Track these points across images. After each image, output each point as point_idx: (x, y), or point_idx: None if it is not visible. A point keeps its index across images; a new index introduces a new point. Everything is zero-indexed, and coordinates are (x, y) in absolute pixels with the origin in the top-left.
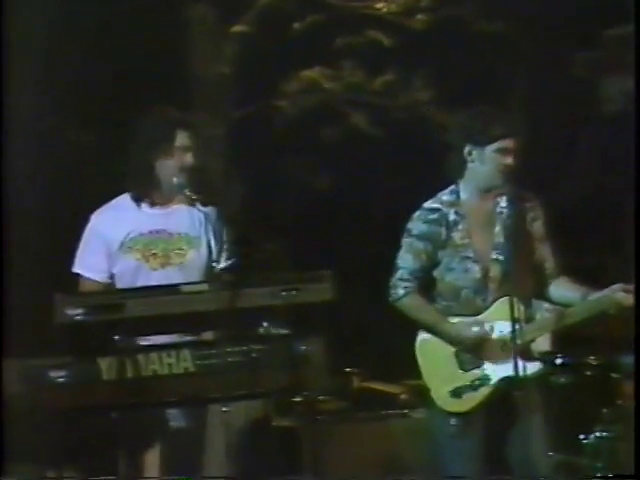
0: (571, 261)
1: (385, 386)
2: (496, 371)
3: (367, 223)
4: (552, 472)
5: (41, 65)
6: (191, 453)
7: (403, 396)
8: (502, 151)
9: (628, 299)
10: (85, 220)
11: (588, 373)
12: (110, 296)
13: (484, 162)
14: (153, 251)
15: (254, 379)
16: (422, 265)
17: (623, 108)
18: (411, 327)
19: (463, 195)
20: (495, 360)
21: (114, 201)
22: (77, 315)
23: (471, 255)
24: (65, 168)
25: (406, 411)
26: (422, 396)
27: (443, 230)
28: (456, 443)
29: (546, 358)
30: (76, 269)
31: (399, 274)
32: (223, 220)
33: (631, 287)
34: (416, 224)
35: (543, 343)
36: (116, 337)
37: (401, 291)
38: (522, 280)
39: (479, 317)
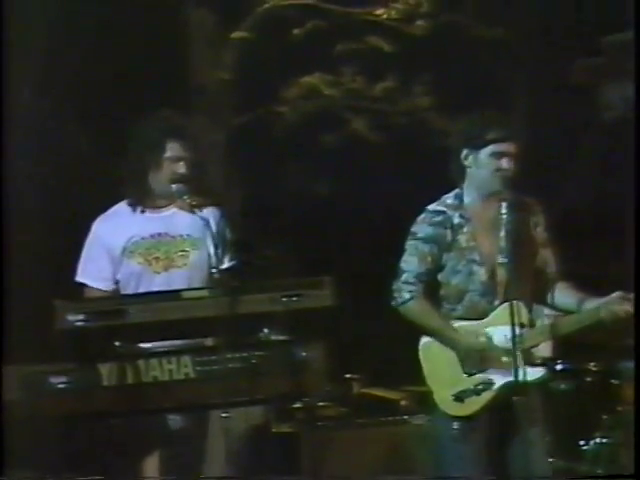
0: (571, 267)
1: (385, 392)
2: (499, 376)
3: (367, 229)
4: (552, 477)
5: (41, 66)
6: (191, 459)
7: (404, 402)
8: (497, 155)
9: (626, 309)
10: (86, 224)
11: (588, 379)
12: (110, 302)
13: (480, 166)
14: (155, 255)
15: (254, 385)
16: (427, 268)
17: (623, 114)
18: (411, 333)
19: (467, 199)
20: (498, 365)
21: (113, 208)
22: (78, 321)
23: (477, 258)
24: (65, 171)
25: (407, 417)
26: (423, 402)
27: (448, 233)
28: (458, 447)
29: (547, 364)
30: (80, 278)
31: (404, 277)
32: (223, 226)
33: (630, 295)
34: (421, 227)
35: (544, 349)
36: (117, 343)
37: (406, 295)
38: (526, 285)
39: (483, 321)
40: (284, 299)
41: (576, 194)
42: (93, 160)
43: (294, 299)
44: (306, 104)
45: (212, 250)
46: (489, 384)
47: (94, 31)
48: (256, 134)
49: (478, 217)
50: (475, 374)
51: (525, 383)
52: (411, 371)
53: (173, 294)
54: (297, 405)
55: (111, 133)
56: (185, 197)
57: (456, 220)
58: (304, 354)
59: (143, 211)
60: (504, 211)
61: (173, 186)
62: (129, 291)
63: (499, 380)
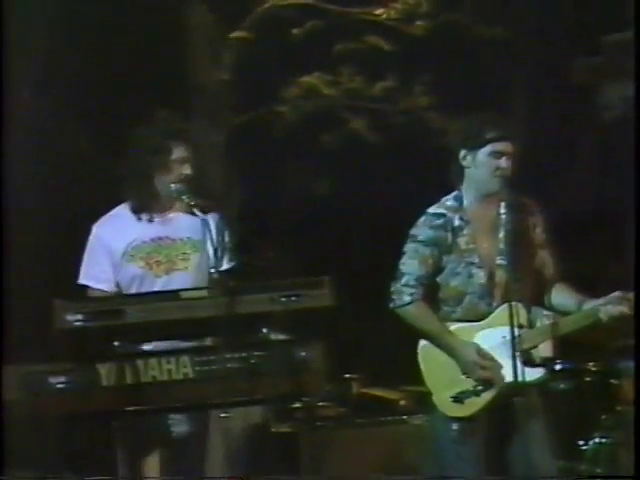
0: (570, 268)
1: (385, 392)
2: (498, 377)
3: (367, 229)
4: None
5: (41, 65)
6: (191, 459)
7: (403, 402)
8: (495, 154)
9: (624, 309)
10: (86, 225)
11: (588, 379)
12: (110, 302)
13: (478, 166)
14: (156, 259)
15: (254, 385)
16: (427, 271)
17: (623, 114)
18: (411, 333)
19: (466, 200)
20: (497, 367)
21: (114, 211)
22: (77, 321)
23: (476, 260)
24: (65, 171)
25: (406, 417)
26: (422, 402)
27: (449, 235)
28: (457, 448)
29: (546, 364)
30: (82, 281)
31: (404, 280)
32: (223, 227)
33: (628, 295)
34: (421, 230)
35: (544, 349)
36: (116, 343)
37: (407, 298)
38: (525, 286)
39: (482, 322)
40: (283, 299)
41: (575, 194)
42: (93, 160)
43: (293, 299)
44: (305, 104)
45: (214, 251)
46: (488, 385)
47: (94, 31)
48: (255, 134)
49: (477, 219)
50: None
51: (524, 384)
52: (410, 371)
53: (172, 294)
54: (296, 405)
55: (111, 133)
56: (184, 197)
57: (456, 222)
58: (303, 354)
59: (145, 215)
60: (503, 211)
61: (172, 186)
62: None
63: (498, 381)
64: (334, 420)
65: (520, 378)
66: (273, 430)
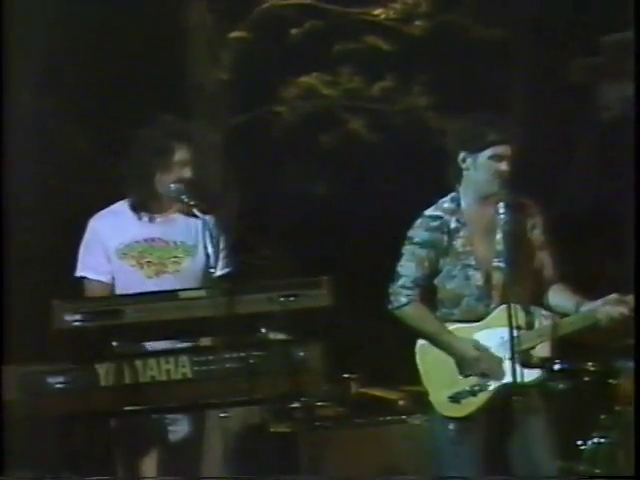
0: (569, 269)
1: (383, 392)
2: (496, 377)
3: (365, 229)
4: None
5: (41, 66)
6: (189, 459)
7: (401, 402)
8: (496, 158)
9: (622, 310)
10: (86, 225)
11: (586, 379)
12: (108, 302)
13: (478, 169)
14: (147, 259)
15: (252, 385)
16: (424, 273)
17: (622, 114)
18: (409, 334)
19: (463, 202)
20: (495, 367)
21: (113, 207)
22: (75, 321)
23: (473, 263)
24: (65, 170)
25: (404, 417)
26: (420, 402)
27: (445, 237)
28: (455, 448)
29: (544, 364)
30: (80, 272)
31: (401, 282)
32: (221, 227)
33: (626, 298)
34: (418, 232)
35: (542, 349)
36: (114, 343)
37: (403, 299)
38: (523, 287)
39: (480, 323)
40: (282, 299)
41: (574, 195)
42: (93, 160)
43: (292, 299)
44: (304, 104)
45: (207, 256)
46: (485, 385)
47: (94, 32)
48: (254, 134)
49: (474, 221)
50: (471, 375)
51: (522, 384)
52: (409, 371)
53: (170, 294)
54: (295, 405)
55: (110, 133)
56: (183, 197)
57: (453, 225)
58: (302, 354)
59: (144, 214)
60: (501, 212)
61: (172, 186)
62: (120, 292)
63: (495, 381)
64: (333, 420)
65: (518, 378)
66: (272, 430)
